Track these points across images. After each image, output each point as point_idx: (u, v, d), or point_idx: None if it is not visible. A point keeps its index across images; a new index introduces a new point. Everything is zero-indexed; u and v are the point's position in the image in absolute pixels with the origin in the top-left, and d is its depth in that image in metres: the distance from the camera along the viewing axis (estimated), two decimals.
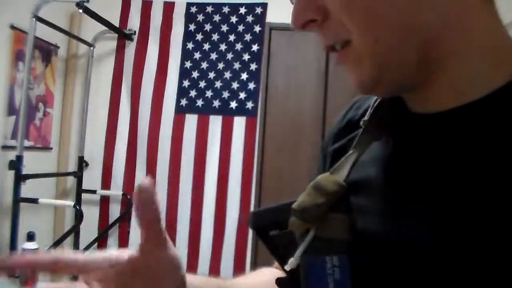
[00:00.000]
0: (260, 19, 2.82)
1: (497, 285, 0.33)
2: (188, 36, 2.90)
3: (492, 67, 0.39)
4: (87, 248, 2.86)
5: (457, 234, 0.36)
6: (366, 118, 0.47)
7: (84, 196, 2.84)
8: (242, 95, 2.80)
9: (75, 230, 2.59)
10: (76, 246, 2.80)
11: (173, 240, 2.80)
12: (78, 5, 2.23)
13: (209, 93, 2.84)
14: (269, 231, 0.46)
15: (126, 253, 0.46)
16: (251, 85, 2.80)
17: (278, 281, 0.46)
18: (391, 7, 0.38)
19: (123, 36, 2.90)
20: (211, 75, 2.85)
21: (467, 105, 0.39)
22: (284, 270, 0.43)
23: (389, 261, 0.39)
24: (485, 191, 0.36)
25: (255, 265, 2.74)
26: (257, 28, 2.82)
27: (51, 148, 2.77)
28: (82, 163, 2.84)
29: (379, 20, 0.38)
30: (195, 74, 2.87)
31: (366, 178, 0.44)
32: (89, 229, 2.85)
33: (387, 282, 0.39)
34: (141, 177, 2.86)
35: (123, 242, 2.87)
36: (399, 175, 0.42)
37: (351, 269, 0.40)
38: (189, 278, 0.52)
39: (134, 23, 2.94)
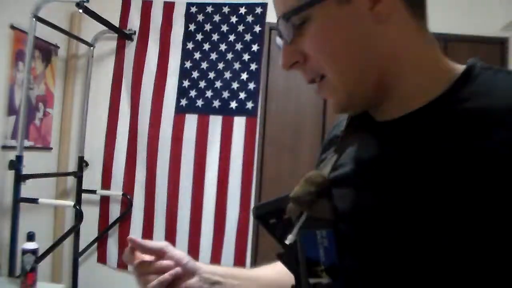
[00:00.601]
0: (260, 19, 2.82)
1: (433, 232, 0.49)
2: (188, 36, 2.90)
3: (429, 83, 0.54)
4: (87, 248, 2.86)
5: (397, 203, 0.53)
6: (342, 129, 0.63)
7: (84, 196, 2.84)
8: (242, 95, 2.80)
9: (75, 230, 2.59)
10: (76, 246, 2.80)
11: (173, 239, 2.80)
12: (78, 5, 2.23)
13: (209, 93, 2.84)
14: (269, 220, 0.62)
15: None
16: (251, 85, 2.79)
17: (279, 255, 0.61)
18: (353, 51, 0.54)
19: (123, 36, 2.90)
20: (211, 75, 2.85)
21: (410, 114, 0.55)
22: (283, 247, 0.58)
23: (358, 230, 0.55)
24: (420, 174, 0.52)
25: (255, 265, 2.73)
26: (257, 28, 2.82)
27: (51, 148, 2.77)
28: (82, 163, 2.84)
29: (345, 61, 0.54)
30: (195, 74, 2.87)
31: (343, 174, 0.60)
32: (89, 229, 2.86)
33: (358, 245, 0.55)
34: (141, 177, 2.88)
35: (123, 242, 2.87)
36: (363, 169, 0.58)
37: (335, 239, 0.55)
38: (211, 268, 0.74)
39: (134, 23, 2.94)
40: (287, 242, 0.57)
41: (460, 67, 0.56)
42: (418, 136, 0.54)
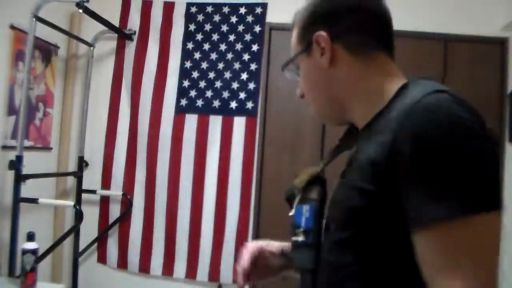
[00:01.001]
0: (260, 19, 2.82)
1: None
2: (188, 36, 2.90)
3: (372, 105, 0.76)
4: (87, 248, 2.86)
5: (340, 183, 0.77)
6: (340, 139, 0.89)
7: (84, 196, 2.84)
8: (242, 95, 2.80)
9: (75, 230, 2.59)
10: (76, 246, 2.80)
11: (173, 239, 2.80)
12: (78, 5, 2.23)
13: (209, 93, 2.84)
14: (293, 200, 0.84)
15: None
16: (251, 85, 2.79)
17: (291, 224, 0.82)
18: (318, 88, 0.83)
19: (123, 36, 2.90)
20: (211, 75, 2.85)
21: (366, 125, 0.77)
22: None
23: (328, 208, 0.79)
24: (349, 168, 0.76)
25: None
26: (257, 28, 2.81)
27: (51, 148, 2.77)
28: (82, 163, 2.84)
29: (315, 95, 0.85)
30: (195, 74, 2.87)
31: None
32: (89, 229, 2.86)
33: (327, 217, 0.79)
34: (141, 177, 2.88)
35: (123, 242, 2.87)
36: (346, 165, 0.79)
37: (315, 212, 0.79)
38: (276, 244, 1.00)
39: (134, 23, 2.94)
40: (290, 214, 0.82)
41: (399, 85, 0.75)
42: (360, 138, 0.77)
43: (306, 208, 0.79)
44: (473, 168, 0.59)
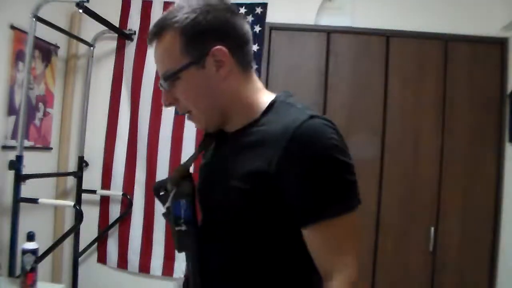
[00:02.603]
0: (260, 19, 2.82)
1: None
2: None
3: (247, 114, 0.91)
4: (87, 248, 2.86)
5: (209, 175, 0.97)
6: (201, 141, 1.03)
7: (84, 196, 2.84)
8: None
9: (75, 230, 2.59)
10: (76, 246, 2.80)
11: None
12: (78, 5, 2.23)
13: None
14: (160, 192, 0.97)
15: None
16: None
17: (163, 214, 0.94)
18: (207, 97, 0.90)
19: (123, 36, 2.90)
20: None
21: (235, 131, 0.92)
22: (166, 209, 0.94)
23: (200, 198, 0.97)
24: (222, 161, 0.93)
25: None
26: (257, 28, 2.81)
27: (51, 148, 2.76)
28: (82, 163, 2.84)
29: (203, 104, 0.91)
30: None
31: (202, 164, 1.03)
32: (89, 229, 2.86)
33: (200, 205, 0.97)
34: (141, 177, 2.87)
35: (123, 242, 2.87)
36: (210, 161, 0.99)
37: (190, 204, 0.93)
38: None
39: (134, 23, 2.94)
40: (165, 206, 0.93)
41: (270, 99, 0.92)
42: (232, 143, 0.92)
43: (183, 202, 0.92)
44: (347, 172, 0.82)
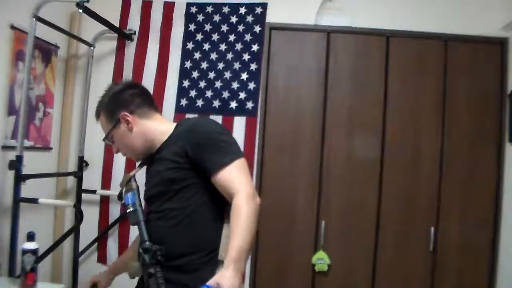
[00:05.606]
0: (260, 19, 2.82)
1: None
2: (188, 36, 2.90)
3: (163, 139, 1.42)
4: (87, 248, 2.86)
5: (149, 177, 1.46)
6: (141, 161, 1.53)
7: (84, 196, 2.84)
8: (242, 95, 2.80)
9: (75, 230, 2.59)
10: (76, 246, 2.80)
11: None
12: (78, 5, 2.23)
13: (209, 93, 2.84)
14: (121, 191, 1.47)
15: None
16: (251, 85, 2.80)
17: (119, 197, 1.48)
18: (131, 145, 1.45)
19: (123, 36, 2.90)
20: (211, 75, 2.85)
21: (158, 148, 1.43)
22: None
23: (145, 190, 1.45)
24: (152, 167, 1.46)
25: (255, 264, 2.73)
26: (257, 28, 2.82)
27: (51, 148, 2.76)
28: (82, 163, 2.84)
29: (131, 149, 1.47)
30: (195, 74, 2.87)
31: (147, 173, 1.50)
32: (89, 229, 2.86)
33: (146, 200, 1.45)
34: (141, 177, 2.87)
35: (123, 242, 2.87)
36: (148, 170, 1.49)
37: (135, 193, 1.42)
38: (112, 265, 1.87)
39: (134, 23, 2.94)
40: (121, 199, 1.44)
41: (174, 125, 1.44)
42: (157, 156, 1.41)
43: (130, 193, 1.40)
44: (227, 141, 1.32)
